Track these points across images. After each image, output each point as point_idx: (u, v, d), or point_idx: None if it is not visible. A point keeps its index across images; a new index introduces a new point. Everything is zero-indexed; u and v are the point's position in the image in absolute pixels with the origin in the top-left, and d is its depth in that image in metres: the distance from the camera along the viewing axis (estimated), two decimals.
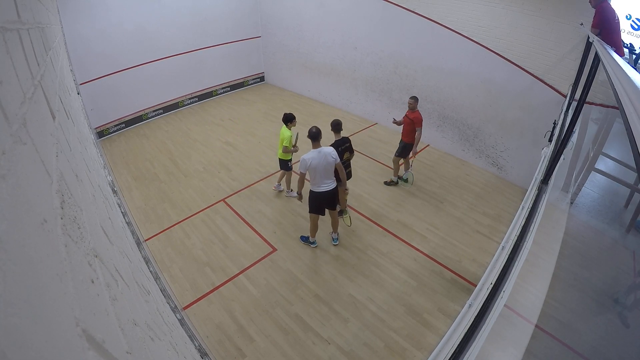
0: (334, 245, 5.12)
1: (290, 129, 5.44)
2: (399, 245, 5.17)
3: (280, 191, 6.24)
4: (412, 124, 5.83)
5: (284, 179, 6.12)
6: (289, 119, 5.42)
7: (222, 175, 6.76)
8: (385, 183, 6.46)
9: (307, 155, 4.33)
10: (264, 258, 4.93)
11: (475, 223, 5.64)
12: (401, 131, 6.08)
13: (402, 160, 6.34)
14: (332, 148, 4.49)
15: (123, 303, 0.84)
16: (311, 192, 4.61)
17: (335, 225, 5.05)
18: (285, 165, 5.78)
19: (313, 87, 10.03)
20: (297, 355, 3.74)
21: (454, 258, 4.97)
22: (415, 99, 5.82)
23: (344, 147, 4.95)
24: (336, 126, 4.89)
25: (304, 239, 5.17)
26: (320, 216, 4.85)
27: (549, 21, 5.41)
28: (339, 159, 4.48)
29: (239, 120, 8.99)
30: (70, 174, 0.84)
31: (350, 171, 5.44)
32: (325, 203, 4.69)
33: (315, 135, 4.38)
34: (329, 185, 4.54)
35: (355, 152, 5.56)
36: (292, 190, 6.09)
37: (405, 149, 6.07)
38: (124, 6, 7.73)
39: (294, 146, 5.62)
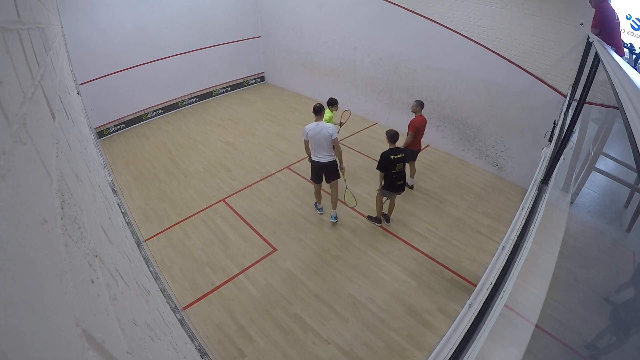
0: (332, 222, 5.47)
1: (332, 112, 5.92)
2: (399, 245, 5.17)
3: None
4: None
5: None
6: (330, 103, 5.98)
7: (222, 175, 6.76)
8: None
9: (308, 125, 4.93)
10: (264, 258, 4.93)
11: (475, 223, 5.64)
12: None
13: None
14: (331, 125, 4.95)
15: (123, 303, 0.84)
16: (310, 160, 5.20)
17: (333, 202, 5.43)
18: None
19: (313, 87, 10.02)
20: (297, 355, 3.75)
21: (454, 258, 4.97)
22: (418, 103, 5.70)
23: (397, 156, 4.88)
24: (391, 137, 4.90)
25: (316, 205, 5.76)
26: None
27: (549, 21, 5.41)
28: (335, 136, 4.89)
29: (239, 120, 8.99)
30: (70, 174, 0.84)
31: (403, 184, 5.11)
32: (322, 173, 5.21)
33: (317, 110, 4.99)
34: (324, 157, 5.01)
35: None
36: None
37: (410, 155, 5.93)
38: (124, 6, 7.73)
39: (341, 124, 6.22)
